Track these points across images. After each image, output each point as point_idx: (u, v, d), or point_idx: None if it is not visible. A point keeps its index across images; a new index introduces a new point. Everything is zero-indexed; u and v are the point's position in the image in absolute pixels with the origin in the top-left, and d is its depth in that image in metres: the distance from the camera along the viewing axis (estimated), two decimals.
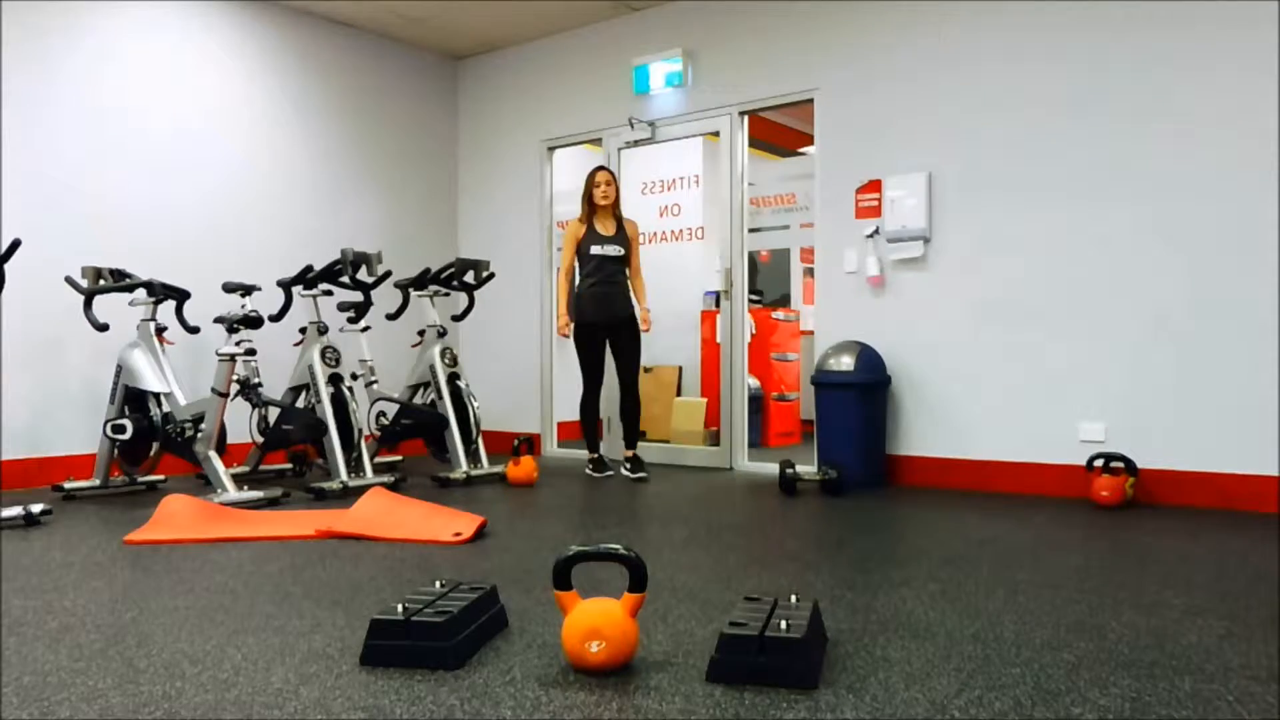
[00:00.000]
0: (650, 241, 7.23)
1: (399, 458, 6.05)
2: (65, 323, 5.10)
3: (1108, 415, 4.58)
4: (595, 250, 5.25)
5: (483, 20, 6.49)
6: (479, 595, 2.28)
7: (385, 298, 6.08)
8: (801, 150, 8.49)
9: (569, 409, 7.13)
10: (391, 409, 5.51)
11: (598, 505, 4.44)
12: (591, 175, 5.34)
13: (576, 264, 5.38)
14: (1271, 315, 4.19)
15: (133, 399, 4.75)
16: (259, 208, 6.05)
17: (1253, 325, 4.23)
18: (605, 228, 5.29)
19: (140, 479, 4.87)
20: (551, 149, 6.82)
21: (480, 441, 5.43)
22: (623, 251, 5.30)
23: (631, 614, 2.03)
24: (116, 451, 4.77)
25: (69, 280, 4.70)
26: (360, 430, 5.09)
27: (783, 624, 1.98)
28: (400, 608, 2.12)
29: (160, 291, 4.74)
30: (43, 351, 5.07)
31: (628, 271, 5.35)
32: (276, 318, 5.14)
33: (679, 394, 7.19)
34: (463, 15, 6.40)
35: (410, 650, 2.05)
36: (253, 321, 4.63)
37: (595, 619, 2.00)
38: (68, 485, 4.69)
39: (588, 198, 5.31)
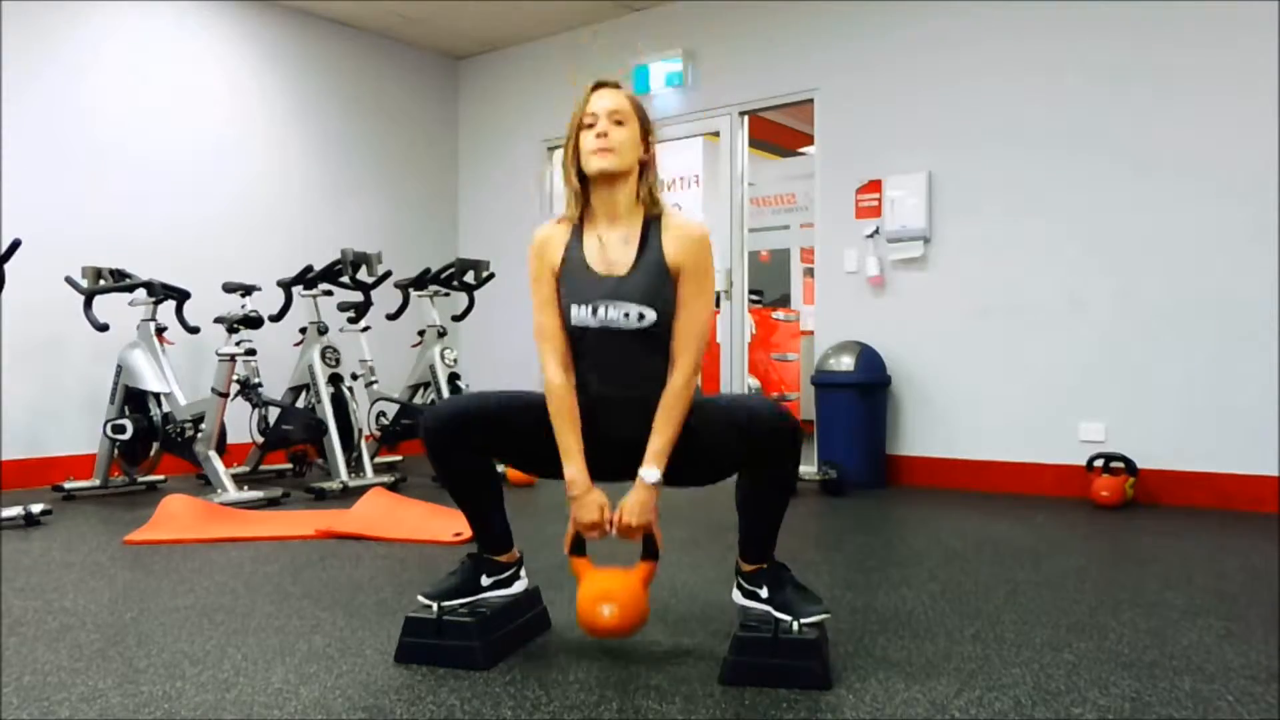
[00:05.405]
0: None
1: (399, 458, 6.04)
2: (65, 323, 5.09)
3: (1108, 415, 4.58)
4: (580, 316, 2.11)
5: (483, 20, 6.49)
6: (518, 596, 2.28)
7: (385, 298, 6.07)
8: (801, 150, 8.49)
9: None
10: (391, 409, 5.51)
11: None
12: (585, 96, 2.13)
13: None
14: (1271, 315, 4.19)
15: (133, 399, 4.75)
16: (258, 207, 6.05)
17: (1252, 325, 4.23)
18: (613, 244, 2.11)
19: (140, 479, 4.87)
20: (552, 149, 6.81)
21: None
22: (650, 318, 2.08)
23: (644, 582, 2.03)
24: (116, 451, 4.76)
25: (69, 280, 4.69)
26: (360, 430, 5.08)
27: (794, 625, 1.98)
28: (435, 607, 2.13)
29: (160, 291, 4.74)
30: (43, 351, 5.07)
31: (659, 357, 2.14)
32: (276, 318, 5.13)
33: None
34: (463, 15, 6.40)
35: (441, 649, 2.06)
36: (253, 321, 4.63)
37: (608, 583, 2.01)
38: (68, 485, 4.69)
39: (573, 155, 2.13)
